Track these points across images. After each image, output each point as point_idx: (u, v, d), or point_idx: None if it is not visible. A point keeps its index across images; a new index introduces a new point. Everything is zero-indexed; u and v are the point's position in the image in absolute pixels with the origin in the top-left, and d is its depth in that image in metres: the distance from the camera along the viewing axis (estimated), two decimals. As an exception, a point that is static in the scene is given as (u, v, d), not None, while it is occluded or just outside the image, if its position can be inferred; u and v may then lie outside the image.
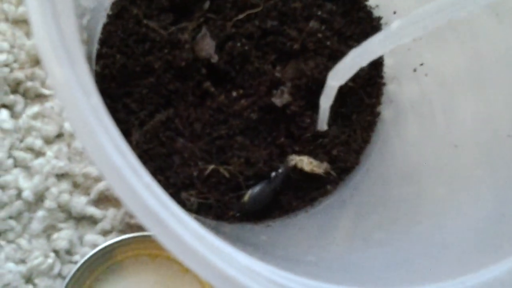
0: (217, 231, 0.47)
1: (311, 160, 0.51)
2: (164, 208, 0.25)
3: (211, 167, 0.50)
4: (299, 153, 0.53)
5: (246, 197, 0.50)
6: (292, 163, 0.51)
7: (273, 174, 0.51)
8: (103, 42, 0.51)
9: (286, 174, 0.51)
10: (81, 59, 0.24)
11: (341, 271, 0.35)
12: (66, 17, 0.23)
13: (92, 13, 0.44)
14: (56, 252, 0.51)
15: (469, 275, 0.31)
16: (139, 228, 0.52)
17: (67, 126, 0.53)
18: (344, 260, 0.38)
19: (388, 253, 0.38)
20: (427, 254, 0.36)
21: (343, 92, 0.54)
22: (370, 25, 0.56)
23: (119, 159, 0.24)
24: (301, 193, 0.53)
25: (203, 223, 0.49)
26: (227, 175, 0.50)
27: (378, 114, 0.57)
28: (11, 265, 0.50)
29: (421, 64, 0.53)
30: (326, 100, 0.49)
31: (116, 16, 0.52)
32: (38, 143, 0.52)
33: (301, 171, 0.51)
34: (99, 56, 0.51)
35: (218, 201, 0.50)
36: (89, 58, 0.47)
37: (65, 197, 0.51)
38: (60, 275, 0.51)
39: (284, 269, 0.31)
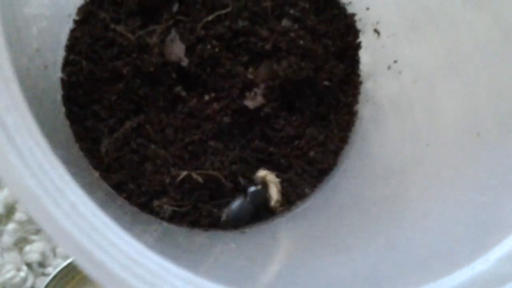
0: (188, 240, 0.47)
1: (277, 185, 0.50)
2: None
3: (184, 173, 0.49)
4: (274, 159, 0.52)
5: (224, 217, 0.48)
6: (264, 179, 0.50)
7: (252, 189, 0.49)
8: (69, 48, 0.50)
9: (266, 191, 0.50)
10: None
11: (304, 280, 0.34)
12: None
13: (50, 19, 0.42)
14: (28, 265, 0.50)
15: (435, 283, 0.30)
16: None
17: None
18: (310, 267, 0.37)
19: (356, 260, 0.37)
20: (394, 261, 0.35)
21: (319, 91, 0.53)
22: (344, 22, 0.55)
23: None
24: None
25: (176, 232, 0.48)
26: (200, 180, 0.49)
27: (356, 113, 0.56)
28: (-17, 280, 0.49)
29: (395, 61, 0.51)
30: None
31: (83, 22, 0.51)
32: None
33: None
34: (66, 63, 0.50)
35: (192, 208, 0.49)
36: (47, 65, 0.45)
37: (36, 208, 0.50)
38: (33, 289, 0.50)
39: (242, 282, 0.30)
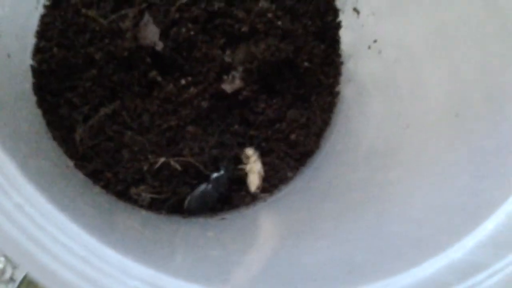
0: (166, 229, 0.46)
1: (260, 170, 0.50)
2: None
3: (162, 160, 0.48)
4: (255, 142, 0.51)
5: (186, 203, 0.48)
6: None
7: (215, 175, 0.48)
8: (40, 35, 0.49)
9: (229, 176, 0.49)
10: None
11: (282, 269, 0.33)
12: None
13: (13, 6, 0.41)
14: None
15: (415, 268, 0.29)
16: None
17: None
18: (289, 256, 0.36)
19: (335, 247, 0.36)
20: (371, 249, 0.34)
21: (300, 73, 0.52)
22: (323, 1, 0.53)
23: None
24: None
25: (156, 220, 0.47)
26: (178, 167, 0.48)
27: (338, 94, 0.55)
28: (-39, 273, 0.48)
29: (375, 41, 0.50)
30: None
31: (54, 7, 0.50)
32: None
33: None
34: (37, 50, 0.48)
35: (171, 195, 0.48)
36: (10, 54, 0.44)
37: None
38: (12, 279, 0.49)
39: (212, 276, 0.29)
